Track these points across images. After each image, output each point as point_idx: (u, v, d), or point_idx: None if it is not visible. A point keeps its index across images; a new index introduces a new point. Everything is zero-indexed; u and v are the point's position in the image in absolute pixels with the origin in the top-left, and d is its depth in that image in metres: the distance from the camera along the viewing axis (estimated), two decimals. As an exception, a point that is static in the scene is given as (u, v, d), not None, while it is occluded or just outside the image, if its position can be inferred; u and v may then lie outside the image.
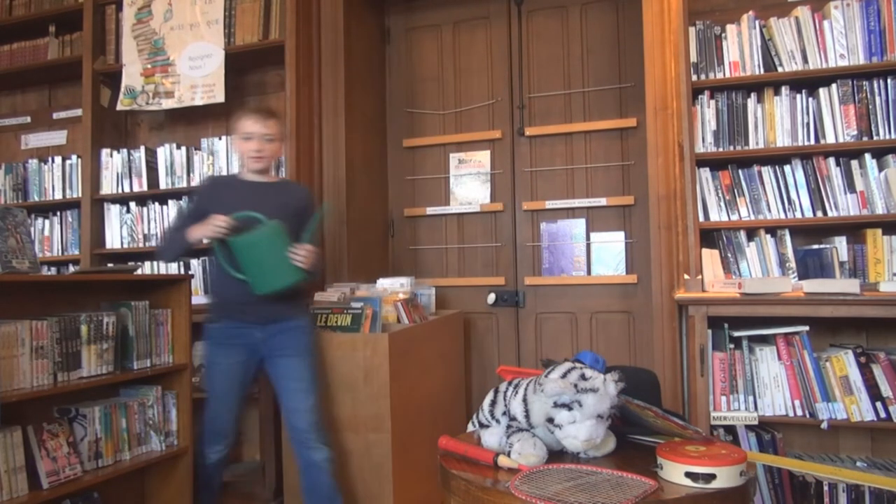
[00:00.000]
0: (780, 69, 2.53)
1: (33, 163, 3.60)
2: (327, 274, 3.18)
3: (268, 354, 2.35)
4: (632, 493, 1.15)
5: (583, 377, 1.36)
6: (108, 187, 3.39)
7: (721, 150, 2.58)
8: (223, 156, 3.23)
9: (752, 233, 2.59)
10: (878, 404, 2.26)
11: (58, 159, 3.56)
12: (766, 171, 2.54)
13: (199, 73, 3.22)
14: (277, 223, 2.20)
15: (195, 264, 3.28)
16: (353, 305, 2.55)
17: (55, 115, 3.79)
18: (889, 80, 2.44)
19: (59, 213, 3.55)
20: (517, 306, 3.28)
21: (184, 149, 3.31)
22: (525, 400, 1.43)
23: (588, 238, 3.18)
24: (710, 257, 2.57)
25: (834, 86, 2.48)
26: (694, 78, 2.58)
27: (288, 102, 3.07)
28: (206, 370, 2.41)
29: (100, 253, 3.38)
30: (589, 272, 3.16)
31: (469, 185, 3.40)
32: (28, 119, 3.86)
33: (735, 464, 1.22)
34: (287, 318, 2.34)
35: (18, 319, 1.91)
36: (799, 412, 2.34)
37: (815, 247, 2.50)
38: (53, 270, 3.56)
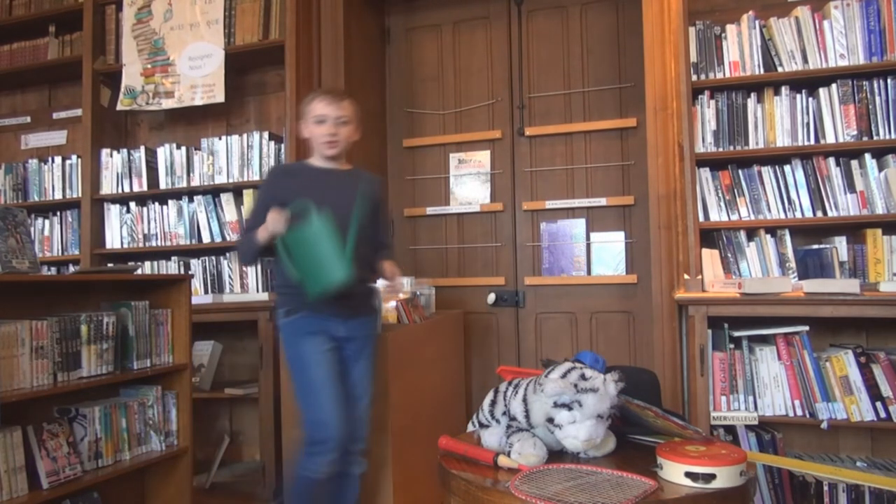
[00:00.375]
0: (780, 69, 2.53)
1: (33, 163, 3.60)
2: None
3: (342, 350, 2.15)
4: (632, 493, 1.15)
5: (583, 377, 1.36)
6: (108, 187, 3.39)
7: (721, 150, 2.58)
8: (223, 156, 3.23)
9: (752, 233, 2.59)
10: (878, 404, 2.26)
11: (58, 159, 3.56)
12: (766, 171, 2.54)
13: (199, 73, 3.22)
14: (325, 217, 1.97)
15: (195, 263, 3.28)
16: (353, 305, 2.55)
17: (55, 115, 3.79)
18: (889, 80, 2.43)
19: (59, 213, 3.55)
20: (517, 306, 3.28)
21: (184, 149, 3.31)
22: (525, 400, 1.43)
23: (588, 238, 3.18)
24: (710, 257, 2.57)
25: (834, 86, 2.48)
26: (694, 78, 2.58)
27: (288, 102, 3.07)
28: (297, 366, 2.11)
29: (100, 253, 3.38)
30: (589, 272, 3.16)
31: (469, 185, 3.40)
32: (28, 119, 3.86)
33: (735, 464, 1.22)
34: (365, 313, 2.19)
35: (18, 319, 1.91)
36: (799, 412, 2.34)
37: (815, 247, 2.50)
38: (53, 270, 3.56)
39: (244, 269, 3.19)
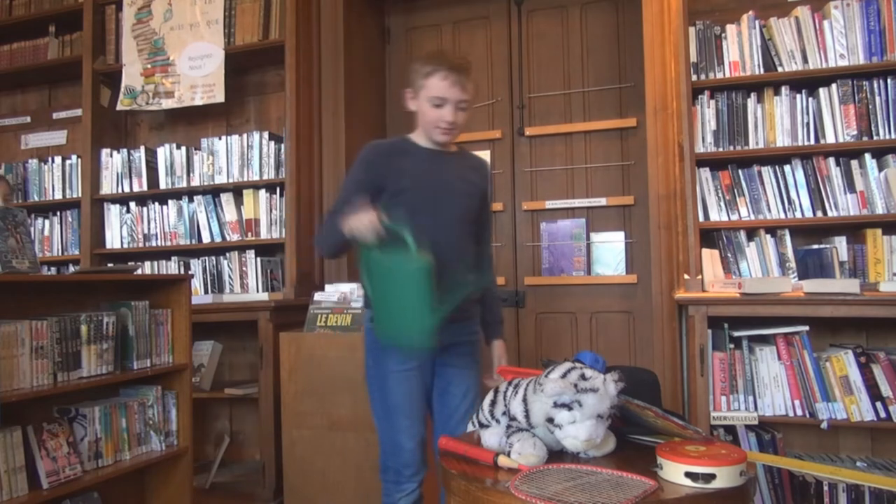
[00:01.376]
0: (780, 69, 2.53)
1: (33, 163, 3.60)
2: (327, 274, 3.19)
3: (438, 361, 1.87)
4: (632, 493, 1.15)
5: (583, 377, 1.36)
6: (107, 187, 3.39)
7: (721, 150, 2.58)
8: (223, 156, 3.23)
9: (752, 233, 2.59)
10: (878, 404, 2.26)
11: (58, 159, 3.56)
12: (766, 171, 2.54)
13: (199, 73, 3.22)
14: (427, 263, 1.55)
15: (195, 263, 3.28)
16: (353, 305, 2.56)
17: (55, 115, 3.80)
18: (889, 80, 2.43)
19: (59, 213, 3.55)
20: (517, 306, 3.28)
21: (184, 149, 3.31)
22: (525, 400, 1.42)
23: (588, 238, 3.18)
24: (710, 257, 2.57)
25: (834, 86, 2.48)
26: (694, 78, 2.58)
27: (288, 102, 3.07)
28: (376, 383, 1.83)
29: (100, 253, 3.38)
30: (589, 272, 3.16)
31: (469, 185, 3.39)
32: (28, 119, 3.86)
33: (735, 464, 1.21)
34: (467, 317, 1.89)
35: (18, 319, 1.90)
36: (799, 412, 2.34)
37: (815, 247, 2.50)
38: (53, 270, 3.56)
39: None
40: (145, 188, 3.33)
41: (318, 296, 2.71)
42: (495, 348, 2.00)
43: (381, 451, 1.84)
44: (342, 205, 1.77)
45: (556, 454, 1.40)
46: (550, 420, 1.36)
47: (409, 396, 1.80)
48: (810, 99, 2.52)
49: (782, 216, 2.52)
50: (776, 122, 2.54)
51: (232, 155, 3.22)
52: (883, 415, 2.25)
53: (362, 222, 1.60)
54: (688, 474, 1.20)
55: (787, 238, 2.54)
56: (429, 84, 1.75)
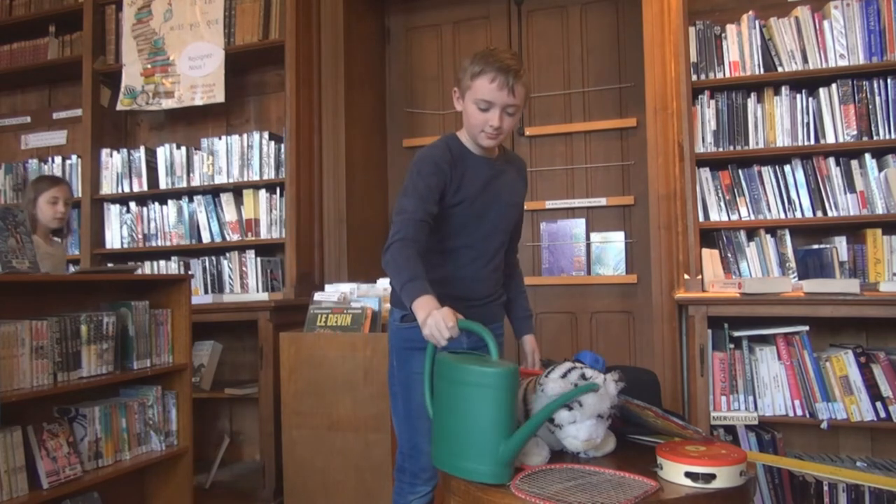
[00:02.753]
0: (780, 69, 2.53)
1: (33, 163, 3.60)
2: (327, 274, 3.19)
3: None
4: (632, 493, 1.15)
5: (583, 377, 1.36)
6: (107, 187, 3.39)
7: (721, 150, 2.58)
8: (223, 156, 3.23)
9: (752, 233, 2.59)
10: (878, 404, 2.26)
11: (58, 159, 3.56)
12: (766, 171, 2.54)
13: (198, 73, 3.22)
14: (513, 370, 1.27)
15: (195, 263, 3.28)
16: (353, 305, 2.56)
17: (55, 115, 3.79)
18: (889, 80, 2.43)
19: (59, 213, 3.55)
20: (517, 306, 3.27)
21: (184, 149, 3.31)
22: (525, 400, 1.43)
23: (588, 238, 3.18)
24: (710, 257, 2.57)
25: (834, 86, 2.48)
26: (694, 78, 2.58)
27: (288, 102, 3.07)
28: (400, 384, 1.76)
29: (100, 253, 3.38)
30: (589, 272, 3.16)
31: (469, 185, 3.39)
32: (28, 119, 3.86)
33: (735, 464, 1.21)
34: (491, 320, 1.81)
35: (18, 319, 1.90)
36: (799, 412, 2.34)
37: (815, 247, 2.50)
38: (53, 270, 3.56)
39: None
40: (145, 188, 3.33)
41: (318, 296, 2.71)
42: (526, 343, 1.98)
43: (398, 452, 1.79)
44: (415, 210, 1.64)
45: (556, 454, 1.40)
46: (550, 420, 1.36)
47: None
48: (810, 99, 2.52)
49: (782, 216, 2.52)
50: (776, 122, 2.54)
51: (232, 155, 3.22)
52: (883, 415, 2.25)
53: (439, 326, 1.40)
54: (688, 474, 1.20)
55: (787, 238, 2.54)
56: (475, 85, 1.64)
